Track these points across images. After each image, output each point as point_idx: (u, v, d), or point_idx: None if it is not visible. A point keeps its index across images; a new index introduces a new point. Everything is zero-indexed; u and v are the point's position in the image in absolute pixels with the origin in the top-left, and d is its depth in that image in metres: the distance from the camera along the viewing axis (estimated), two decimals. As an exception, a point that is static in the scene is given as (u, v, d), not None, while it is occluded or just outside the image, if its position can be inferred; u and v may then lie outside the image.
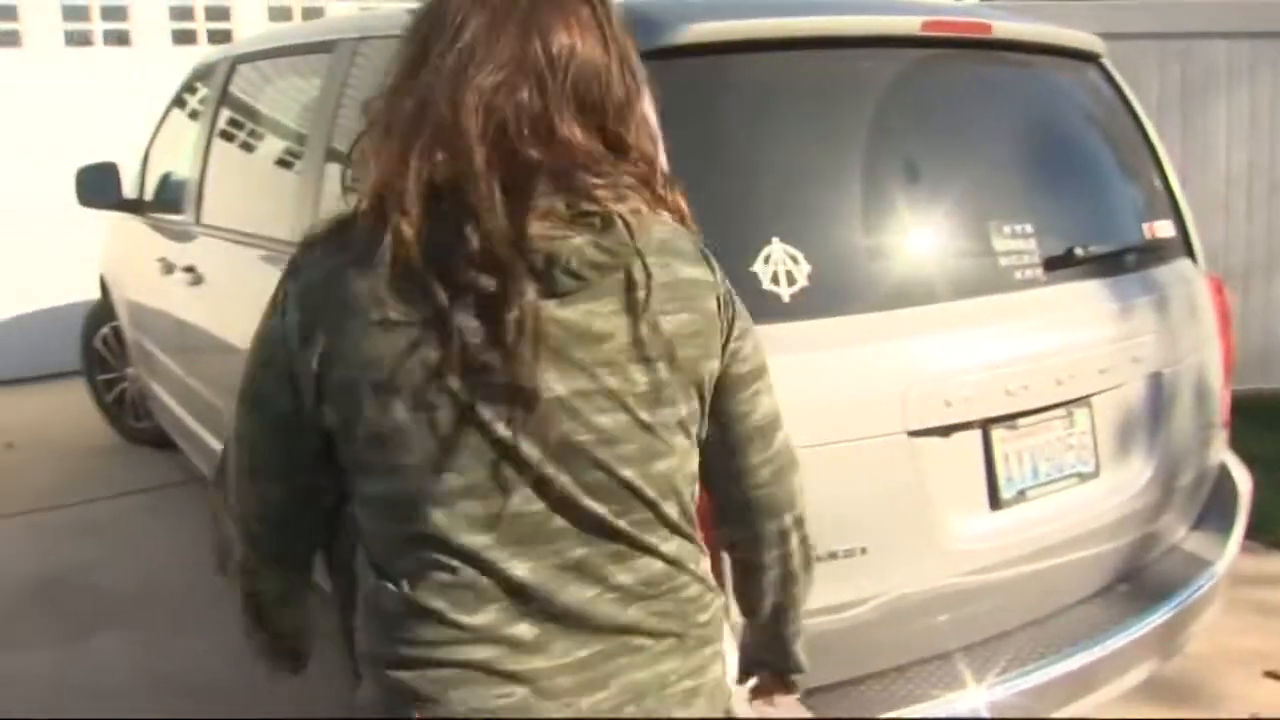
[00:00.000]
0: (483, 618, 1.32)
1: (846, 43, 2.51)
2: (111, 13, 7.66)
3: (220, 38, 7.77)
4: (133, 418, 6.02)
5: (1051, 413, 2.53)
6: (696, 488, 1.43)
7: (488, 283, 1.24)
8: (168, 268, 4.60)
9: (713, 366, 1.40)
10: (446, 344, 1.26)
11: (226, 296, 4.11)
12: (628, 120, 1.34)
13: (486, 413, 1.27)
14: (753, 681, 1.78)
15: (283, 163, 3.70)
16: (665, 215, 1.38)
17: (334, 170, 3.30)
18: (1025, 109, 2.83)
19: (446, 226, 1.24)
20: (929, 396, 2.34)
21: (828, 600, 2.28)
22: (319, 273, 1.32)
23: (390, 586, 1.36)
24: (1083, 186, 2.86)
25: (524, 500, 1.31)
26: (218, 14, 8.09)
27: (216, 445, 4.31)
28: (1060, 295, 2.57)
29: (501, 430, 1.28)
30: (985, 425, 2.44)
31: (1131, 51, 6.57)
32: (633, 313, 1.31)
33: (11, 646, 3.90)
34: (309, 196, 3.38)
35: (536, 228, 1.25)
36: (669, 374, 1.34)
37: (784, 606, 1.66)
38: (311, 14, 8.30)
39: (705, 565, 1.47)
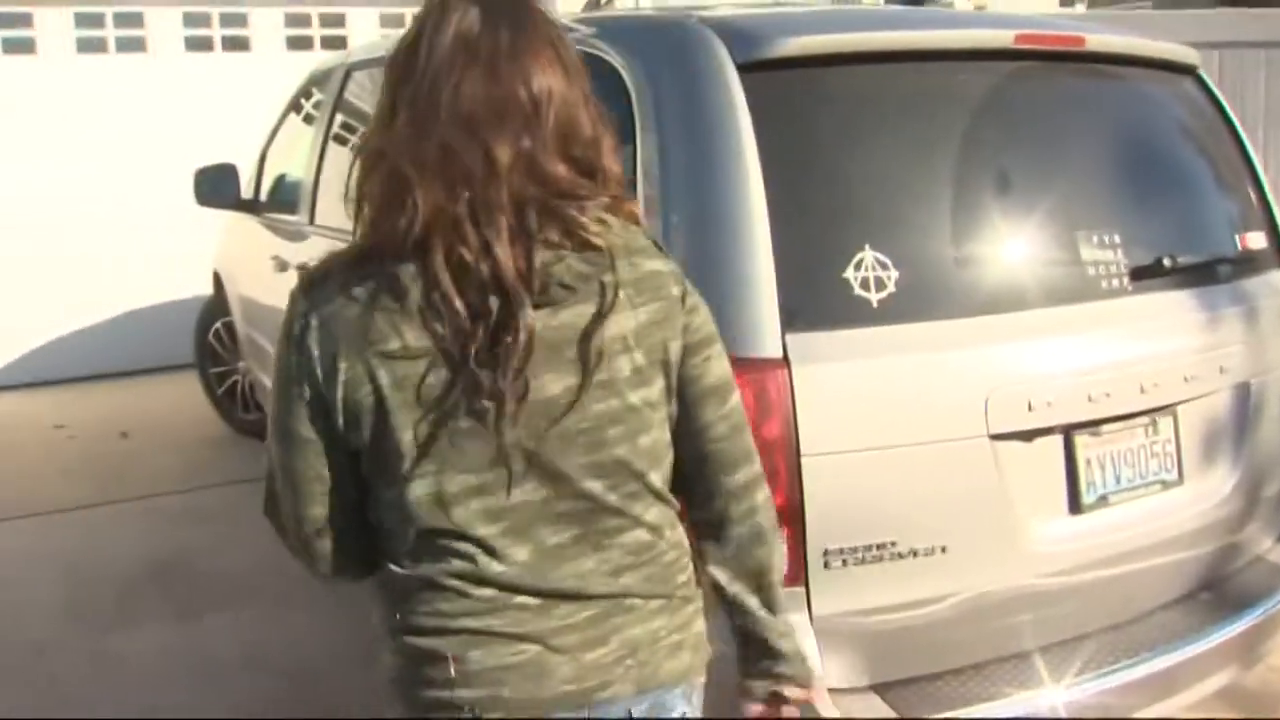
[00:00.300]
0: (491, 591, 1.49)
1: (940, 56, 2.58)
2: (230, 19, 7.95)
3: (334, 43, 8.04)
4: (242, 410, 6.25)
5: (1135, 420, 2.57)
6: (672, 454, 1.61)
7: (494, 304, 1.41)
8: (281, 265, 4.80)
9: (677, 344, 1.56)
10: (460, 364, 1.42)
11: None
12: (599, 145, 1.51)
13: (494, 418, 1.44)
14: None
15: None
16: (632, 220, 1.57)
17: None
18: (1117, 120, 2.86)
19: (463, 259, 1.41)
20: (1011, 401, 2.40)
21: (907, 596, 2.38)
22: (336, 308, 1.46)
23: (408, 571, 1.52)
24: (1174, 197, 2.89)
25: (528, 491, 1.48)
26: (332, 20, 8.34)
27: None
28: (1147, 304, 2.61)
29: (509, 432, 1.44)
30: (1068, 430, 2.49)
31: (1238, 60, 6.52)
32: (613, 310, 1.48)
33: (127, 625, 4.11)
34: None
35: (543, 256, 1.44)
36: (644, 358, 1.52)
37: (761, 571, 1.68)
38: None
39: (680, 531, 1.64)
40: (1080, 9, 10.57)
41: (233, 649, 3.91)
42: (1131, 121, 2.91)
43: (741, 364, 2.26)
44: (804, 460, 2.29)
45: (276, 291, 4.91)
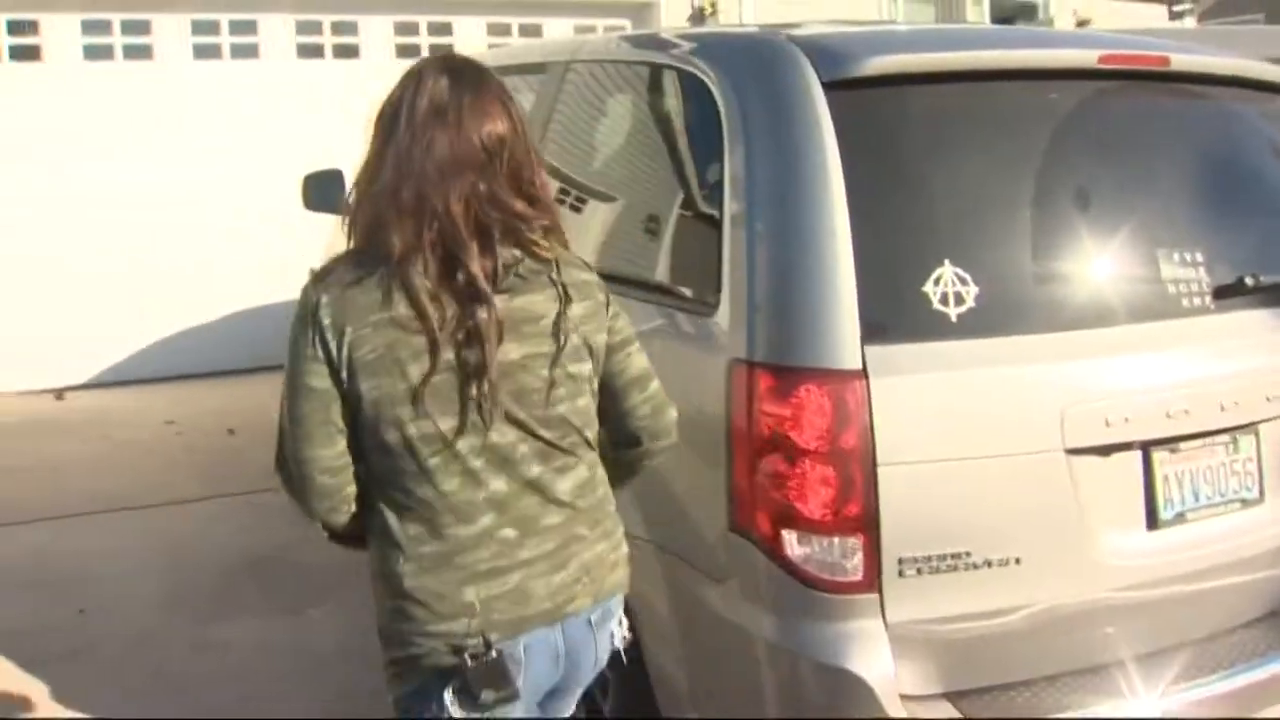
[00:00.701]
0: (481, 524, 1.91)
1: (1024, 75, 2.62)
2: (341, 27, 8.17)
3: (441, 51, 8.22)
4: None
5: (1215, 438, 2.59)
6: (597, 421, 2.07)
7: (469, 297, 1.85)
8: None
9: (601, 338, 2.03)
10: (439, 331, 1.84)
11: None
12: (536, 183, 1.95)
13: (472, 376, 1.86)
14: None
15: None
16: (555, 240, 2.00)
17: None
18: (1202, 137, 2.87)
19: (441, 271, 1.85)
20: (1088, 417, 2.43)
21: (980, 606, 2.42)
22: (339, 289, 1.88)
23: (401, 516, 1.92)
24: (1258, 216, 2.88)
25: (499, 434, 1.91)
26: (439, 29, 8.53)
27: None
28: (1229, 323, 2.62)
29: (485, 386, 1.87)
30: (1146, 447, 2.51)
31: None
32: (555, 301, 1.95)
33: (230, 615, 4.26)
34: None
35: (505, 258, 1.89)
36: (578, 341, 1.97)
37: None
38: (528, 30, 8.69)
39: (603, 473, 2.10)
40: (1189, 23, 10.39)
41: (330, 641, 4.04)
42: (1217, 139, 2.92)
43: (821, 375, 2.35)
44: (880, 470, 2.35)
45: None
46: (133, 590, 4.49)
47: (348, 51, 8.22)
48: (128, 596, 4.43)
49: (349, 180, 5.71)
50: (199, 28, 7.77)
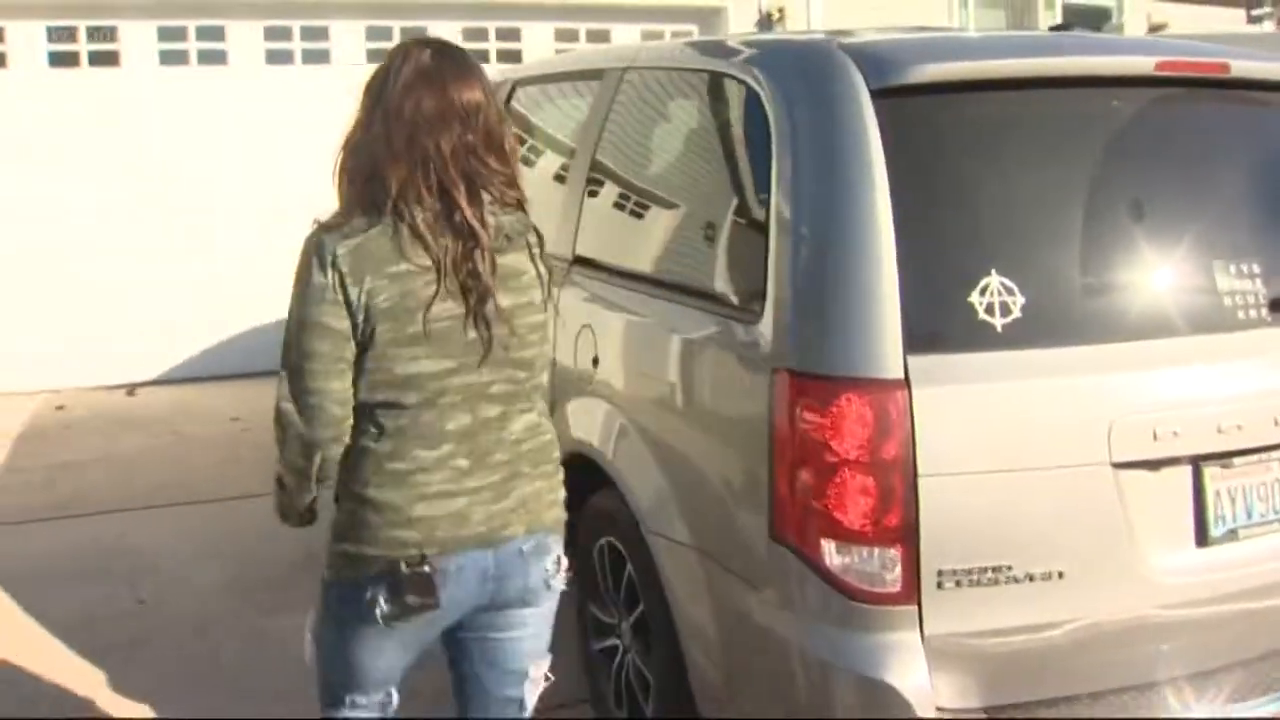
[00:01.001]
0: (441, 452, 2.15)
1: (1077, 82, 2.59)
2: (411, 34, 8.25)
3: (509, 57, 8.29)
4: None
5: (1270, 454, 2.53)
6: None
7: (468, 240, 2.11)
8: (443, 272, 4.99)
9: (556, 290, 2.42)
10: (441, 278, 2.09)
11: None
12: (505, 150, 2.19)
13: (469, 318, 2.13)
14: None
15: (550, 180, 3.99)
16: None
17: (596, 189, 3.56)
18: (1262, 147, 2.81)
19: (437, 212, 2.10)
20: (1135, 430, 2.39)
21: (1022, 620, 2.39)
22: (352, 242, 2.09)
23: (377, 439, 2.15)
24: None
25: (483, 375, 2.17)
26: (508, 35, 8.59)
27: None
28: (1285, 337, 2.57)
29: (480, 328, 2.14)
30: (1196, 462, 2.47)
31: None
32: (534, 259, 2.25)
33: (285, 608, 4.28)
34: (571, 212, 3.65)
35: (490, 216, 2.14)
36: (544, 294, 2.26)
37: None
38: (595, 36, 8.72)
39: (549, 424, 2.35)
40: (1268, 27, 10.17)
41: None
42: (1278, 148, 2.85)
43: (862, 384, 2.34)
44: (921, 480, 2.33)
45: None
46: (193, 582, 4.57)
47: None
48: (187, 588, 4.51)
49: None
50: (271, 34, 7.90)
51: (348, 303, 2.09)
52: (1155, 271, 2.54)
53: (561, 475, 2.35)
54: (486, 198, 2.15)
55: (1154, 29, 9.57)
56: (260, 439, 6.37)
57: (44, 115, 7.38)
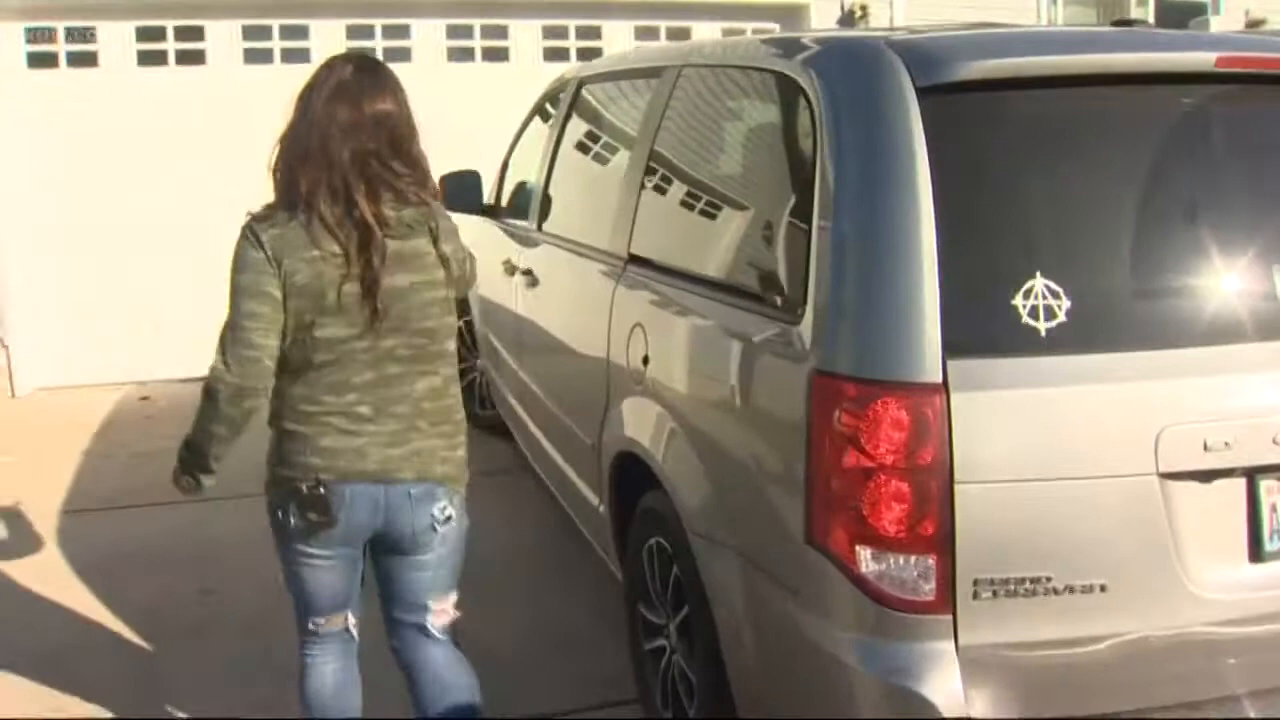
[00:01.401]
0: (346, 399, 2.59)
1: (1132, 80, 2.51)
2: (491, 31, 8.32)
3: (590, 55, 8.28)
4: (478, 405, 6.53)
5: (1332, 468, 2.43)
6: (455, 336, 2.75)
7: (365, 233, 2.53)
8: (510, 269, 5.02)
9: (459, 268, 2.73)
10: (349, 263, 2.52)
11: (555, 299, 4.46)
12: (413, 150, 2.63)
13: (369, 294, 2.53)
14: None
15: (606, 179, 3.99)
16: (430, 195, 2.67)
17: (650, 188, 3.55)
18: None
19: (341, 208, 2.52)
20: (1185, 440, 2.31)
21: (1061, 634, 2.33)
22: (278, 229, 2.53)
23: (301, 387, 2.59)
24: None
25: (385, 340, 2.59)
26: (588, 33, 8.60)
27: (540, 434, 4.67)
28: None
29: (374, 303, 2.54)
30: (1251, 474, 2.38)
31: None
32: (434, 244, 2.64)
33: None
34: (627, 212, 3.64)
35: (385, 209, 2.55)
36: (444, 272, 2.66)
37: None
38: (675, 34, 8.70)
39: (458, 389, 2.77)
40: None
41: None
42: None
43: (898, 388, 2.30)
44: (957, 487, 2.28)
45: (505, 294, 5.14)
46: (255, 573, 4.59)
47: (497, 55, 8.35)
48: (252, 580, 4.56)
49: (486, 180, 5.87)
50: (354, 33, 8.01)
51: (275, 275, 2.52)
52: (1209, 276, 2.45)
53: (461, 437, 2.75)
54: (387, 196, 2.56)
55: (1252, 24, 9.27)
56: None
57: (134, 112, 7.57)
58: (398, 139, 2.57)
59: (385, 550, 2.78)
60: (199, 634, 4.14)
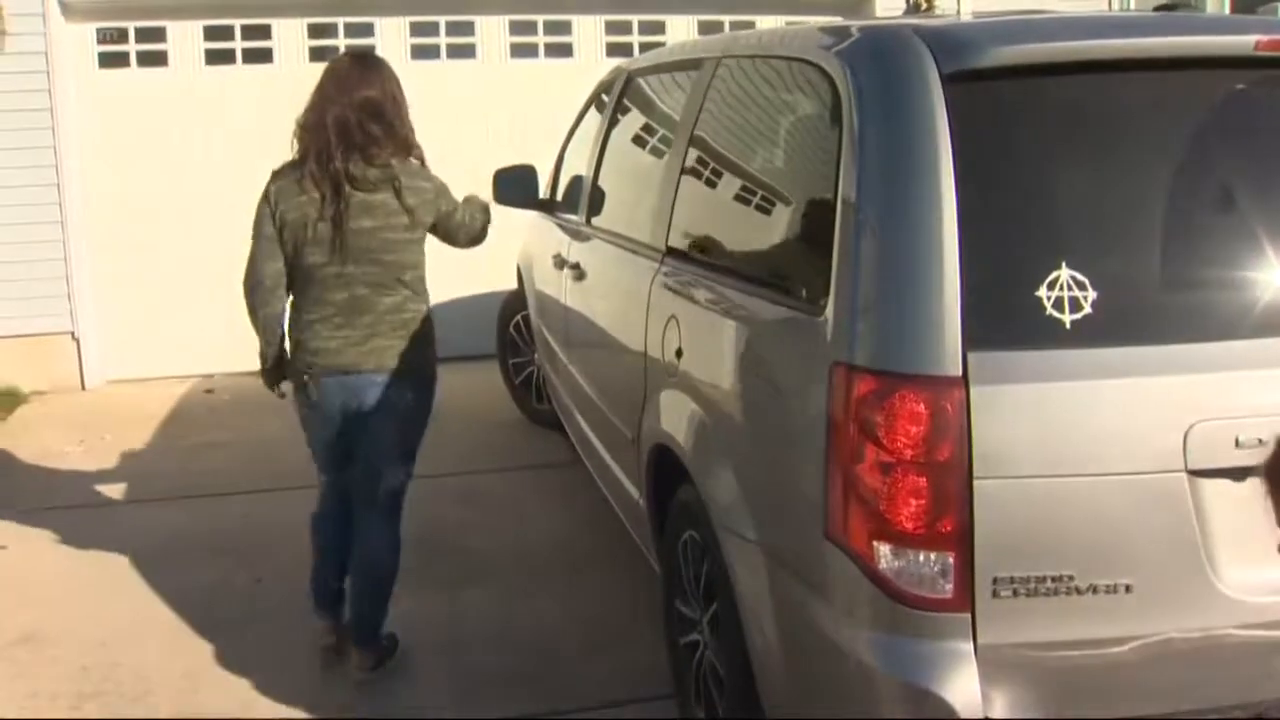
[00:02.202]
0: (325, 313, 3.58)
1: (1165, 65, 2.43)
2: (554, 27, 8.32)
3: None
4: (535, 400, 6.55)
5: (1372, 466, 2.34)
6: (421, 269, 3.70)
7: (336, 184, 3.47)
8: (560, 263, 5.02)
9: (430, 217, 3.65)
10: (323, 205, 3.48)
11: (600, 293, 4.45)
12: (393, 124, 3.54)
13: (336, 230, 3.48)
14: None
15: (649, 172, 3.96)
16: (414, 160, 3.62)
17: (687, 181, 3.52)
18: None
19: (323, 165, 3.48)
20: (1215, 436, 2.24)
21: (1084, 634, 2.27)
22: (282, 181, 3.55)
23: (299, 303, 3.64)
24: None
25: (351, 268, 3.53)
26: (651, 28, 8.57)
27: (587, 428, 4.66)
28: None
29: (343, 240, 3.49)
30: (1286, 472, 2.29)
31: None
32: (397, 196, 3.53)
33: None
34: (665, 205, 3.62)
35: (356, 169, 3.48)
36: (408, 219, 3.56)
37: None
38: (739, 28, 8.62)
39: (421, 305, 3.71)
40: None
41: (474, 623, 4.15)
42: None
43: (917, 381, 2.25)
44: (976, 483, 2.23)
45: (556, 288, 5.15)
46: (304, 564, 4.66)
47: (561, 51, 8.36)
48: (299, 570, 4.62)
49: (542, 175, 5.87)
50: (417, 30, 8.06)
51: (274, 219, 3.56)
52: (1241, 267, 2.37)
53: (417, 340, 3.66)
54: (357, 157, 3.48)
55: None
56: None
57: (203, 111, 7.68)
58: (376, 115, 3.50)
59: (359, 423, 3.66)
60: (250, 623, 4.20)
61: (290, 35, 7.87)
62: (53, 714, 3.57)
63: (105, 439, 6.51)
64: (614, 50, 8.36)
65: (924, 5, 8.46)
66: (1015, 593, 2.24)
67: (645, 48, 8.38)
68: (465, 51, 8.16)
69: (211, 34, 7.76)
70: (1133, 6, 8.77)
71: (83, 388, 7.64)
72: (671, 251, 3.52)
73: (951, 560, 2.25)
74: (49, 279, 7.47)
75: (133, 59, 7.74)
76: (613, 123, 4.83)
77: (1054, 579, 2.24)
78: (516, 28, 8.23)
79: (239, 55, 7.83)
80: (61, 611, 4.28)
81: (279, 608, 4.30)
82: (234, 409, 7.01)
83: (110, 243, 7.67)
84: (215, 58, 7.80)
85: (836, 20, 4.06)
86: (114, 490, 5.64)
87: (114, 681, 3.76)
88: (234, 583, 4.53)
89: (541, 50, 8.35)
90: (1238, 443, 2.25)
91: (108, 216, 7.65)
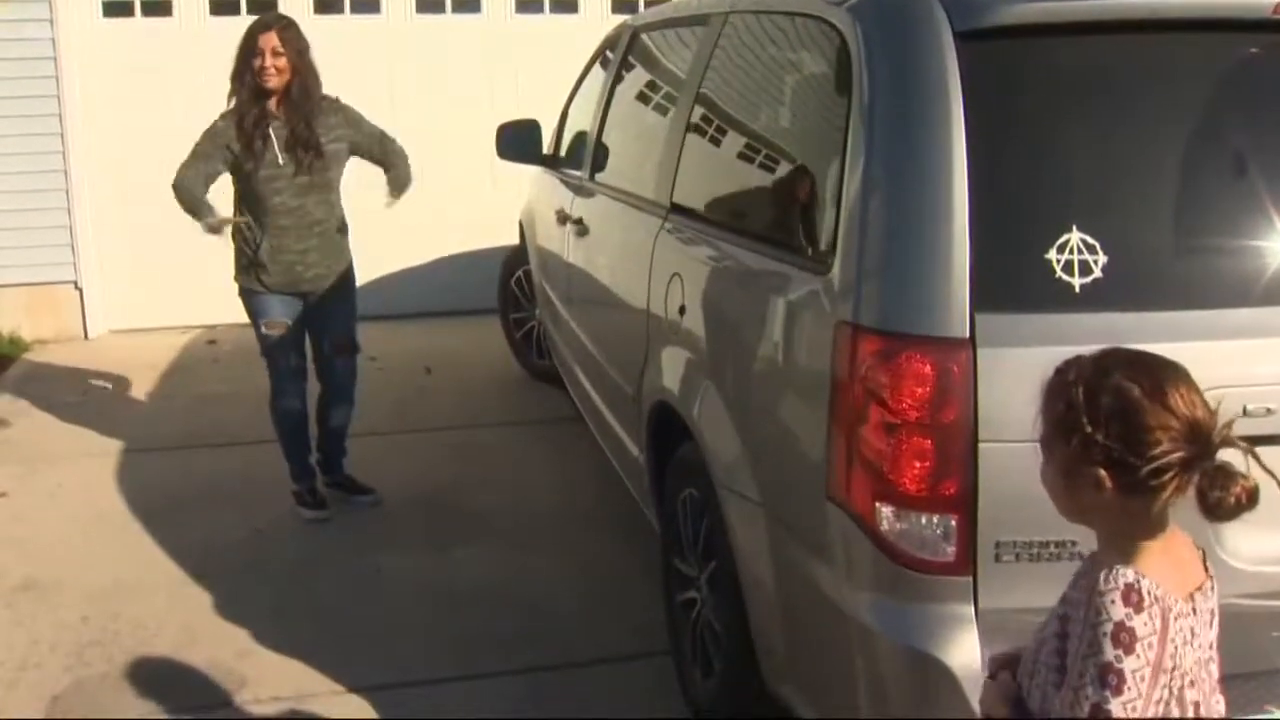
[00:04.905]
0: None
1: (1180, 26, 2.39)
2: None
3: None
4: (536, 355, 6.53)
5: (1379, 435, 2.32)
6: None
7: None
8: (562, 218, 4.99)
9: (356, 139, 4.64)
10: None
11: (602, 249, 4.42)
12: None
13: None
14: None
15: (653, 127, 3.92)
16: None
17: (692, 136, 3.48)
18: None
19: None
20: (1222, 404, 2.21)
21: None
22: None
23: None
24: None
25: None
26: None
27: (587, 384, 4.65)
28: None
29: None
30: (1293, 441, 2.27)
31: None
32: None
33: (390, 547, 4.42)
34: (670, 161, 3.58)
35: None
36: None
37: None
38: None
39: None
40: None
41: (472, 580, 4.14)
42: None
43: (923, 342, 2.23)
44: (981, 446, 2.21)
45: (558, 243, 5.11)
46: (301, 515, 4.70)
47: (566, 6, 8.27)
48: (303, 521, 4.64)
49: (546, 131, 5.81)
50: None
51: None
52: (1253, 234, 2.33)
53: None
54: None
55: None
56: (394, 378, 6.52)
57: (206, 61, 7.58)
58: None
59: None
60: (251, 571, 4.21)
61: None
62: (53, 662, 3.58)
63: (107, 389, 6.50)
64: (620, 8, 8.27)
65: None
66: (1018, 557, 2.23)
67: (651, 3, 8.29)
68: (471, 6, 8.07)
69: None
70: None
71: (86, 337, 7.63)
72: (676, 208, 3.49)
73: (954, 523, 2.23)
74: (52, 228, 7.44)
75: (137, 8, 7.66)
76: (618, 78, 4.78)
77: (1056, 544, 2.22)
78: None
79: (244, 5, 7.74)
80: (61, 560, 4.29)
81: (274, 559, 4.31)
82: (236, 360, 6.97)
83: (114, 193, 7.62)
84: (220, 7, 7.72)
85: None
86: (115, 440, 5.63)
87: (113, 631, 3.76)
88: (233, 533, 4.52)
89: (547, 5, 8.26)
90: (1246, 411, 2.22)
91: (112, 167, 7.59)
